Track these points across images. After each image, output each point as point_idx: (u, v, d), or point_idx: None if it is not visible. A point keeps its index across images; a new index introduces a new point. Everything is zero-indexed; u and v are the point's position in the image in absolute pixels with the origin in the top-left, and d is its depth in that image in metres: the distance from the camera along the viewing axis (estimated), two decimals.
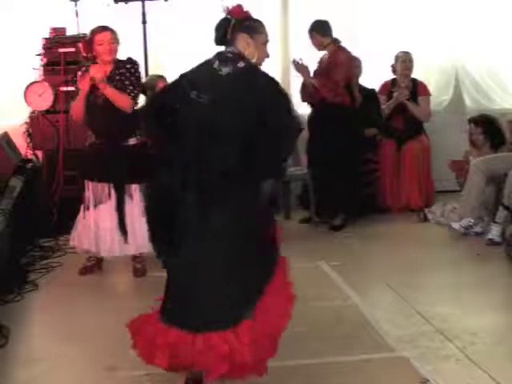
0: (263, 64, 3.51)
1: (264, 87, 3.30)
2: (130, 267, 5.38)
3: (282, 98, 3.32)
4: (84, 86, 5.08)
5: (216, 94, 3.27)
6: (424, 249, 5.93)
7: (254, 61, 3.41)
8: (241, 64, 3.33)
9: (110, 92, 5.04)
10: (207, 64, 3.38)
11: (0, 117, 6.88)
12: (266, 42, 3.50)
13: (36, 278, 5.27)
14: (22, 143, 6.64)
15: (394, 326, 4.28)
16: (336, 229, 6.41)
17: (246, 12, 3.47)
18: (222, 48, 3.43)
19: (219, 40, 3.43)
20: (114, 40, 5.13)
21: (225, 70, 3.32)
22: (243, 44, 3.39)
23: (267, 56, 3.52)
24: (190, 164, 3.25)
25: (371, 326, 4.29)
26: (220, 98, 3.26)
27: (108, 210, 5.19)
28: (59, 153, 6.38)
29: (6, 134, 6.56)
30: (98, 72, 5.04)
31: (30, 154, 6.66)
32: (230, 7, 3.44)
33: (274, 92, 3.31)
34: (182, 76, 3.41)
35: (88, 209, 5.23)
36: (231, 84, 3.30)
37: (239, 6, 3.45)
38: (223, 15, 3.45)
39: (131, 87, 5.10)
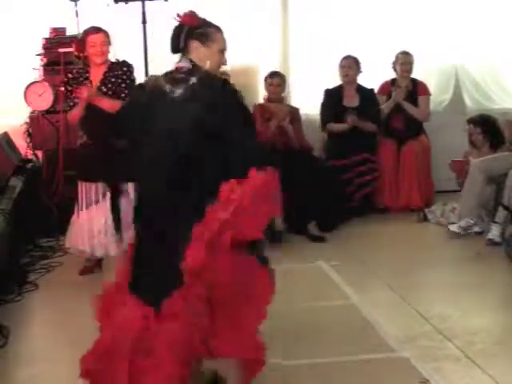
0: (218, 71, 3.43)
1: (218, 102, 3.20)
2: None
3: (239, 110, 3.25)
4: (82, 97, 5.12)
5: (167, 118, 3.20)
6: (424, 249, 5.94)
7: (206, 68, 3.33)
8: (192, 80, 3.23)
9: (106, 104, 5.06)
10: (159, 85, 3.29)
11: (0, 117, 6.88)
12: (221, 49, 3.37)
13: (36, 278, 5.27)
14: (22, 143, 6.65)
15: (394, 326, 4.28)
16: (317, 240, 6.15)
17: (198, 19, 3.35)
18: (176, 58, 3.35)
19: (173, 49, 3.34)
20: (106, 42, 5.15)
21: (177, 92, 3.22)
22: (195, 53, 3.30)
23: (224, 63, 3.42)
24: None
25: (371, 325, 4.29)
26: (171, 123, 3.19)
27: (102, 209, 5.20)
28: (59, 153, 6.38)
29: (6, 134, 6.57)
30: (87, 96, 5.06)
31: (30, 154, 6.67)
32: (182, 14, 3.33)
33: (229, 106, 3.23)
34: (144, 94, 3.33)
35: (82, 209, 5.24)
36: (182, 106, 3.20)
37: (191, 13, 3.34)
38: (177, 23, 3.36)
39: (127, 91, 5.13)
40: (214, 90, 3.22)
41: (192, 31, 3.31)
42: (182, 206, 3.13)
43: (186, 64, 3.29)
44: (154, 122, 3.22)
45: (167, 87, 3.25)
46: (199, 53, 3.30)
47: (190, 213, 3.08)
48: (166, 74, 3.31)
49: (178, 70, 3.29)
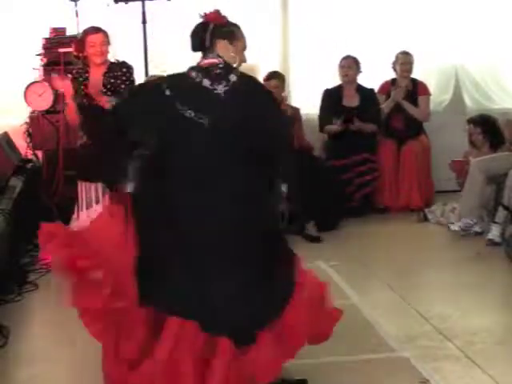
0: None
1: (262, 102, 3.21)
2: None
3: (278, 109, 3.30)
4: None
5: (215, 115, 3.11)
6: (424, 249, 5.93)
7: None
8: (233, 77, 3.18)
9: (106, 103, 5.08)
10: (189, 79, 3.18)
11: (0, 117, 6.88)
12: (244, 48, 3.38)
13: (36, 278, 5.26)
14: (22, 143, 6.64)
15: (394, 326, 4.28)
16: (314, 240, 6.12)
17: (224, 17, 3.33)
18: (197, 56, 3.30)
19: (197, 47, 3.29)
20: (106, 42, 5.15)
21: (220, 89, 3.15)
22: (223, 51, 3.27)
23: (244, 61, 3.41)
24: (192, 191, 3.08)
25: (371, 325, 4.29)
26: (219, 121, 3.11)
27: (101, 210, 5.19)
28: (59, 153, 6.38)
29: (5, 134, 6.56)
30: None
31: (30, 154, 6.66)
32: (208, 12, 3.30)
33: (271, 105, 3.26)
34: (163, 85, 3.16)
35: (82, 209, 5.23)
36: (230, 104, 3.14)
37: (217, 12, 3.32)
38: (199, 20, 3.32)
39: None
40: (254, 88, 3.23)
41: (219, 30, 3.28)
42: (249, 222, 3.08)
43: (218, 60, 3.23)
44: (191, 119, 3.10)
45: (205, 82, 3.16)
46: (227, 52, 3.28)
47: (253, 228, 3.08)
48: (193, 68, 3.22)
49: (213, 65, 3.21)
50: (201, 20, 3.32)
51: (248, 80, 3.26)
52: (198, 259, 3.03)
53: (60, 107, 6.36)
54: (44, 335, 4.47)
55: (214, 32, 3.27)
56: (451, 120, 7.47)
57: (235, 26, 3.37)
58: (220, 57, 3.25)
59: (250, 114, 3.14)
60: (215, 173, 3.09)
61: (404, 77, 7.24)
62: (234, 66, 3.30)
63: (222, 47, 3.28)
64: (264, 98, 3.26)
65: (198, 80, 3.17)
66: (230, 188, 3.08)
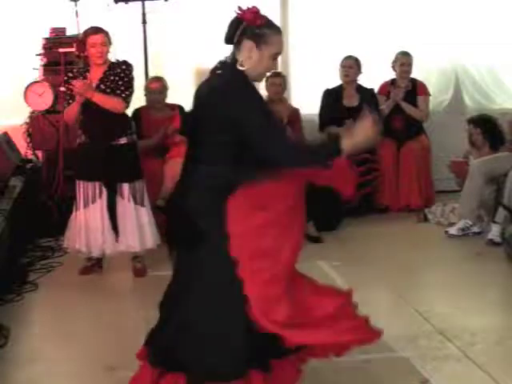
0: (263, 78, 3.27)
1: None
2: (130, 267, 5.38)
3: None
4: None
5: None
6: (424, 249, 5.93)
7: (253, 74, 3.15)
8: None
9: (99, 98, 5.07)
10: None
11: (0, 117, 6.88)
12: (276, 53, 3.17)
13: (36, 278, 5.27)
14: (22, 143, 6.65)
15: (394, 326, 4.27)
16: (316, 240, 6.11)
17: (261, 19, 3.12)
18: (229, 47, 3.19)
19: (227, 39, 3.17)
20: (106, 43, 5.15)
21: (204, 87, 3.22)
22: (246, 52, 3.12)
23: (273, 69, 3.23)
24: None
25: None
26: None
27: (99, 209, 5.19)
28: (59, 153, 6.38)
29: (6, 134, 6.56)
30: (81, 87, 5.05)
31: (30, 154, 6.66)
32: (245, 10, 3.11)
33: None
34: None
35: (79, 209, 5.23)
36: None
37: (255, 11, 3.11)
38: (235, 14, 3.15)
39: (123, 88, 5.13)
40: (212, 95, 3.14)
41: (250, 29, 3.11)
42: None
43: (225, 58, 3.19)
44: None
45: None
46: (250, 54, 3.13)
47: None
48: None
49: (220, 62, 3.22)
50: (236, 15, 3.15)
51: (216, 85, 3.15)
52: None
53: (60, 107, 6.37)
54: (44, 335, 4.47)
55: (244, 31, 3.12)
56: (451, 120, 7.48)
57: (273, 28, 3.17)
58: (237, 58, 3.15)
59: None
60: None
61: (403, 77, 7.24)
62: (253, 73, 3.16)
63: (247, 48, 3.12)
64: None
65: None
66: None
